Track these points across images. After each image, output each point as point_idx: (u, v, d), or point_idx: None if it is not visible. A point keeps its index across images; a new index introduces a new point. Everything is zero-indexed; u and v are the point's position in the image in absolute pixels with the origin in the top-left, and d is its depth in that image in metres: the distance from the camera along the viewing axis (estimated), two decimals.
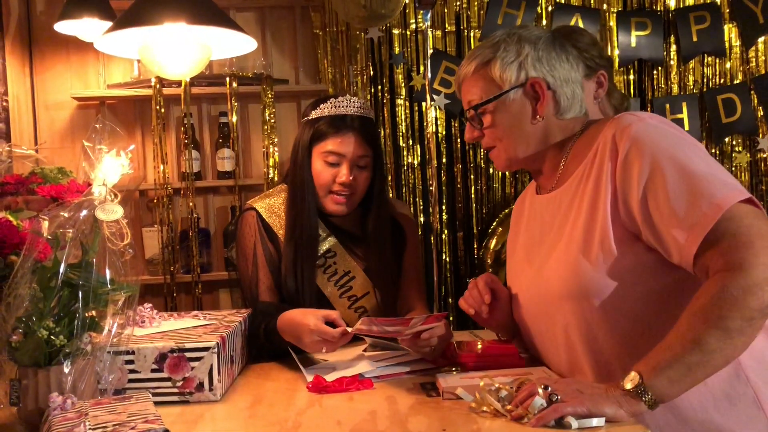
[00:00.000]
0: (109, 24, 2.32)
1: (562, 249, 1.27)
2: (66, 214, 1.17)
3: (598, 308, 1.21)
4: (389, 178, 2.99)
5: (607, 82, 1.78)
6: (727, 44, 3.03)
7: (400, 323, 1.43)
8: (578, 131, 1.37)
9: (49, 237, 1.17)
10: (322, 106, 1.76)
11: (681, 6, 3.05)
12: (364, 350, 1.62)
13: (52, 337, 1.13)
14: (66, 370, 1.14)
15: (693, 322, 1.07)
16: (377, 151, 1.79)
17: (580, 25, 2.96)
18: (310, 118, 1.77)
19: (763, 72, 3.02)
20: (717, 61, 3.05)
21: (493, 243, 2.87)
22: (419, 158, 3.02)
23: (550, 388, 1.09)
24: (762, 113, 2.99)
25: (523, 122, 1.35)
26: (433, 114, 2.97)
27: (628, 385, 1.07)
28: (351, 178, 1.73)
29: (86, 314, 1.16)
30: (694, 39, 3.01)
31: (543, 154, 1.38)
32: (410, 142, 3.02)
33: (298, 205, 1.76)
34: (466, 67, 1.40)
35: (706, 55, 3.05)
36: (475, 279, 1.48)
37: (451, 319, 3.01)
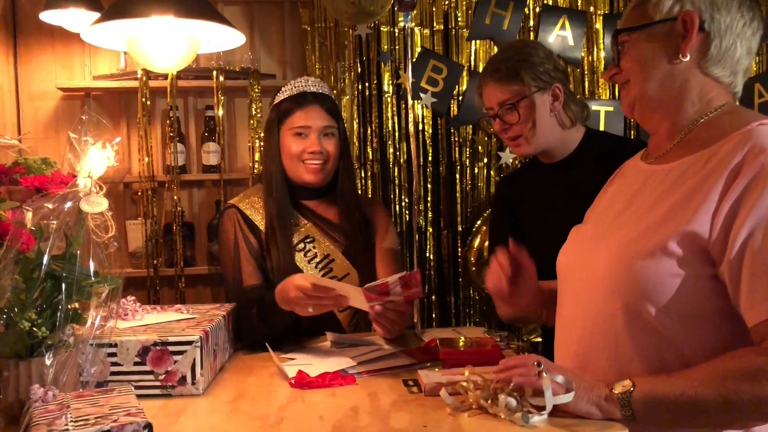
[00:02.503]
0: (95, 14, 2.31)
1: (629, 228, 1.18)
2: (50, 206, 1.16)
3: (636, 300, 1.11)
4: (376, 175, 3.00)
5: (563, 94, 1.80)
6: None
7: (380, 290, 1.51)
8: (716, 108, 1.19)
9: (32, 228, 1.16)
10: (283, 89, 1.92)
11: None
12: (330, 348, 1.65)
13: (34, 328, 1.12)
14: (48, 362, 1.14)
15: (708, 376, 1.03)
16: (341, 124, 1.91)
17: (567, 27, 2.98)
18: (274, 103, 1.92)
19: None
20: None
21: (476, 242, 2.89)
22: (406, 156, 3.02)
23: (542, 366, 1.09)
24: None
25: (661, 59, 1.20)
26: (419, 112, 2.98)
27: (617, 389, 1.08)
28: (319, 146, 1.83)
29: (69, 306, 1.16)
30: None
31: (669, 109, 1.22)
32: (397, 139, 3.03)
33: (270, 185, 1.87)
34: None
35: None
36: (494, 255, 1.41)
37: (434, 316, 3.03)
